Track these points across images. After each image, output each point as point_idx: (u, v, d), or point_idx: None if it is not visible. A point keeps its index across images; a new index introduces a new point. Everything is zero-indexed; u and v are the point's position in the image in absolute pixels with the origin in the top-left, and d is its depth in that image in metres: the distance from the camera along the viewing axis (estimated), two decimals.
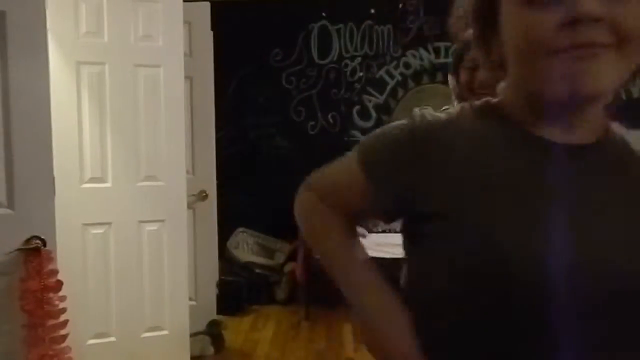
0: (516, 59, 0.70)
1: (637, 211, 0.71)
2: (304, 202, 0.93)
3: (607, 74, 0.64)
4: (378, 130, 0.84)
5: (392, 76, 4.86)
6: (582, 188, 0.71)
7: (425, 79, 4.82)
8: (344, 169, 0.86)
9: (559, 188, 0.70)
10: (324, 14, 4.91)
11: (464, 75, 1.78)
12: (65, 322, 2.37)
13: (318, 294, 3.80)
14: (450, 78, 1.86)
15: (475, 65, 1.73)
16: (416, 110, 0.82)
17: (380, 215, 0.84)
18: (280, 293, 4.64)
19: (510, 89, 0.77)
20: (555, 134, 0.73)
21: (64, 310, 2.36)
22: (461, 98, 1.80)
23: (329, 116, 4.99)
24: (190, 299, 3.36)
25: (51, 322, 2.31)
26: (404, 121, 0.81)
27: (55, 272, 2.31)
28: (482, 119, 0.77)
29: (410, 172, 0.76)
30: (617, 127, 0.80)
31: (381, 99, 4.88)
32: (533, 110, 0.73)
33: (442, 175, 0.73)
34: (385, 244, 3.40)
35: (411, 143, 0.77)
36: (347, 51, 4.92)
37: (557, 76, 0.65)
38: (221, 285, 4.20)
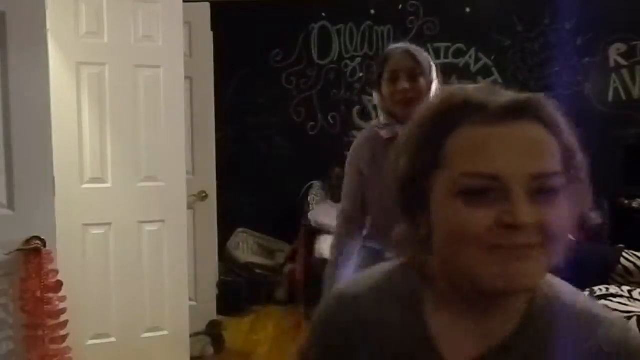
0: (447, 244, 0.72)
1: None
2: None
3: (537, 271, 0.69)
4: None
5: None
6: None
7: None
8: None
9: None
10: (324, 15, 4.91)
11: (385, 88, 1.84)
12: (65, 323, 2.37)
13: (318, 294, 3.80)
14: (374, 95, 1.92)
15: (395, 77, 1.82)
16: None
17: None
18: (280, 293, 4.64)
19: (437, 267, 0.78)
20: (453, 341, 0.76)
21: (64, 310, 2.36)
22: (387, 111, 1.87)
23: (329, 116, 4.99)
24: (190, 299, 3.36)
25: (51, 322, 2.31)
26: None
27: (55, 272, 2.31)
28: (390, 304, 0.81)
29: None
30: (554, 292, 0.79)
31: None
32: (452, 292, 0.76)
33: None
34: None
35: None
36: (347, 51, 4.92)
37: (492, 270, 0.68)
38: (221, 285, 4.20)
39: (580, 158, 0.74)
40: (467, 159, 0.69)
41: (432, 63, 1.89)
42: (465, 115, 0.70)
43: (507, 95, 0.72)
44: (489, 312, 0.75)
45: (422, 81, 1.83)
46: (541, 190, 0.68)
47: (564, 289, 0.79)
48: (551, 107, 0.73)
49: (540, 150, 0.69)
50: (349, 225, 2.00)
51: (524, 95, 0.72)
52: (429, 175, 0.72)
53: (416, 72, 1.83)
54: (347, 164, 2.02)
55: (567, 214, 0.70)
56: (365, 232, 2.01)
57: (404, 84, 1.81)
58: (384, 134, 1.86)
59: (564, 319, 0.75)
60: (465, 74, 4.70)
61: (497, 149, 0.68)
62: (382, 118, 1.91)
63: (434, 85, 1.88)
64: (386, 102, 1.85)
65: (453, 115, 0.71)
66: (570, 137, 0.73)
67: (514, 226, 0.66)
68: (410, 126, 0.77)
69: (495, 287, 0.68)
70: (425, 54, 1.91)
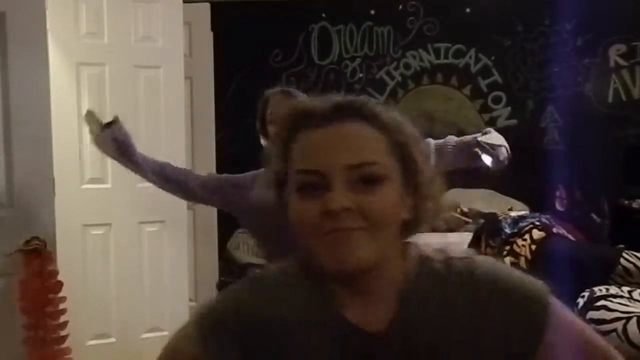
0: (298, 235, 0.81)
1: None
2: None
3: (362, 251, 0.76)
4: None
5: (392, 77, 4.86)
6: None
7: (425, 79, 4.81)
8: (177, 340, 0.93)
9: None
10: (324, 15, 4.91)
11: (272, 129, 1.92)
12: (65, 323, 2.37)
13: None
14: (262, 141, 2.01)
15: (272, 119, 1.91)
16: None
17: None
18: None
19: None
20: (354, 313, 0.83)
21: (64, 311, 2.36)
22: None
23: None
24: (190, 300, 3.36)
25: (51, 322, 2.32)
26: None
27: (55, 273, 2.31)
28: (292, 287, 0.88)
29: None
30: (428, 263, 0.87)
31: (381, 99, 4.87)
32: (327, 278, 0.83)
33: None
34: None
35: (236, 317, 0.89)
36: (347, 52, 4.92)
37: (325, 254, 0.77)
38: (221, 286, 4.19)
39: (421, 148, 0.83)
40: (300, 159, 0.80)
41: None
42: (302, 122, 0.81)
43: (334, 100, 0.82)
44: (367, 289, 0.82)
45: None
46: (361, 179, 0.77)
47: (433, 258, 0.87)
48: (376, 107, 0.82)
49: (358, 143, 0.79)
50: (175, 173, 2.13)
51: (346, 99, 0.83)
52: (285, 175, 0.83)
53: None
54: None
55: (391, 198, 0.78)
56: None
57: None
58: None
59: (435, 282, 0.84)
60: (465, 74, 4.70)
61: (319, 147, 0.79)
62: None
63: None
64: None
65: (294, 123, 0.82)
66: (400, 131, 0.81)
67: (330, 212, 0.75)
68: (272, 138, 0.89)
69: (332, 269, 0.78)
70: (303, 95, 1.96)
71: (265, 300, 0.88)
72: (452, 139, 2.01)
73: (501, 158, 1.89)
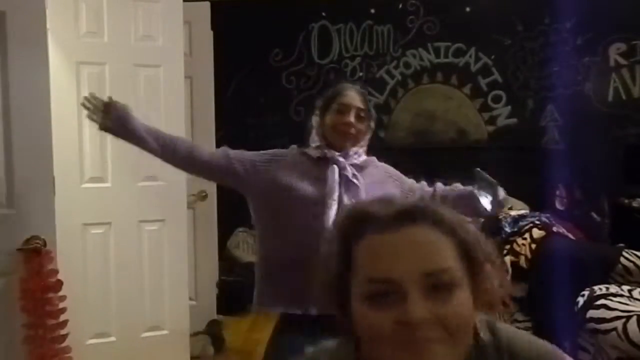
0: (364, 341, 0.80)
1: None
2: None
3: (441, 358, 0.74)
4: None
5: (392, 76, 4.86)
6: None
7: (425, 78, 4.82)
8: None
9: None
10: (324, 14, 4.91)
11: (331, 116, 1.94)
12: (65, 322, 2.37)
13: None
14: (314, 119, 2.01)
15: (344, 110, 1.92)
16: None
17: None
18: None
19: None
20: None
21: (64, 310, 2.36)
22: (323, 136, 1.97)
23: None
24: (190, 299, 3.36)
25: (51, 321, 2.31)
26: None
27: (55, 272, 2.31)
28: None
29: None
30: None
31: (381, 99, 4.88)
32: None
33: None
34: None
35: None
36: (347, 51, 4.92)
37: None
38: (221, 285, 4.19)
39: (484, 247, 0.82)
40: (367, 266, 0.78)
41: (373, 115, 2.01)
42: (364, 226, 0.80)
43: (397, 205, 0.81)
44: None
45: (364, 123, 1.96)
46: (436, 287, 0.75)
47: None
48: (441, 209, 0.82)
49: (430, 250, 0.77)
50: (187, 148, 2.07)
51: (410, 203, 0.83)
52: (347, 280, 0.81)
53: (363, 113, 1.94)
54: (261, 153, 2.04)
55: (466, 304, 0.77)
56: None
57: (351, 118, 1.92)
58: (314, 153, 1.96)
59: None
60: (465, 73, 4.70)
61: (389, 254, 0.77)
62: (313, 141, 1.99)
63: (369, 135, 2.00)
64: (326, 129, 1.95)
65: (355, 227, 0.81)
66: (466, 232, 0.81)
67: (410, 324, 0.73)
68: (328, 239, 0.87)
69: None
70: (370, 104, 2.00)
71: None
72: (457, 186, 2.03)
73: (500, 198, 1.91)
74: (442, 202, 1.81)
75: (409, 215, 0.79)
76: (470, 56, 4.72)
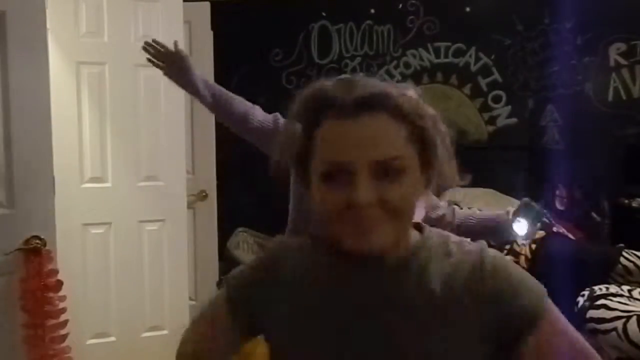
0: (320, 217, 0.87)
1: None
2: None
3: (381, 238, 0.83)
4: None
5: (392, 76, 4.86)
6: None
7: (426, 78, 4.81)
8: (209, 304, 1.07)
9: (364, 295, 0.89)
10: (324, 14, 4.91)
11: None
12: (65, 322, 2.37)
13: None
14: None
15: None
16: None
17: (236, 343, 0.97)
18: None
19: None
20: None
21: (64, 310, 2.37)
22: None
23: None
24: (190, 299, 3.36)
25: (51, 321, 2.32)
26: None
27: (55, 271, 2.31)
28: (316, 249, 0.96)
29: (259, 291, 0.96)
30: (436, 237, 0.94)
31: None
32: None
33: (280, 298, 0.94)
34: None
35: (263, 265, 0.99)
36: (347, 51, 4.92)
37: (347, 238, 0.84)
38: (221, 285, 4.19)
39: (434, 131, 0.87)
40: (326, 149, 0.84)
41: None
42: (325, 109, 0.84)
43: (358, 91, 0.84)
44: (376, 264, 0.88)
45: None
46: (386, 172, 0.82)
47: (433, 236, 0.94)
48: (401, 98, 0.85)
49: (383, 139, 0.83)
50: None
51: (370, 90, 0.85)
52: (308, 162, 0.88)
53: None
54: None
55: (410, 189, 0.84)
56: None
57: None
58: None
59: (439, 254, 0.91)
60: (465, 73, 4.70)
61: (344, 141, 0.82)
62: None
63: None
64: None
65: (317, 108, 0.86)
66: (420, 117, 0.85)
67: (356, 206, 0.81)
68: (288, 121, 0.92)
69: (352, 250, 0.84)
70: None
71: (284, 262, 0.96)
72: (475, 212, 2.01)
73: (540, 226, 1.89)
74: (466, 233, 1.79)
75: (367, 102, 0.83)
76: (470, 56, 4.71)
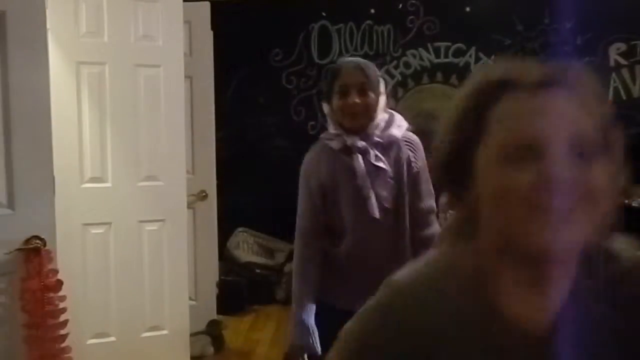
0: (492, 207, 0.73)
1: None
2: None
3: (577, 234, 0.69)
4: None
5: (392, 76, 4.86)
6: None
7: (425, 78, 4.82)
8: None
9: None
10: (324, 14, 4.91)
11: (336, 100, 1.90)
12: (65, 322, 2.37)
13: None
14: (324, 105, 1.97)
15: (345, 90, 1.87)
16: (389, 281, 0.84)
17: None
18: (280, 293, 4.64)
19: (481, 248, 0.78)
20: (522, 306, 0.75)
21: (64, 310, 2.36)
22: (337, 122, 1.93)
23: None
24: (190, 299, 3.36)
25: (51, 321, 2.32)
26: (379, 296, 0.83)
27: (55, 271, 2.31)
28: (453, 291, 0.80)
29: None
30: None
31: None
32: (503, 269, 0.76)
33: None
34: None
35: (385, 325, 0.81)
36: (347, 51, 4.92)
37: (531, 231, 0.69)
38: (221, 285, 4.20)
39: (612, 129, 0.76)
40: (508, 128, 0.72)
41: (380, 77, 1.97)
42: (502, 91, 0.74)
43: (539, 70, 0.75)
44: (545, 276, 0.74)
45: (371, 95, 1.90)
46: (579, 155, 0.69)
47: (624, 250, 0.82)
48: (583, 78, 0.75)
49: (574, 115, 0.71)
50: (309, 248, 1.97)
51: (552, 69, 0.75)
52: (473, 148, 0.75)
53: (365, 86, 1.89)
54: (301, 179, 2.01)
55: (606, 179, 0.71)
56: (338, 248, 1.96)
57: (354, 98, 1.87)
58: (335, 145, 1.92)
59: (618, 277, 0.78)
60: (465, 73, 4.70)
61: (534, 117, 0.71)
62: (331, 128, 1.96)
63: (382, 99, 1.95)
64: (336, 113, 1.91)
65: (491, 92, 0.75)
66: (602, 107, 0.75)
67: (548, 183, 0.67)
68: (452, 109, 0.80)
69: (535, 246, 0.69)
70: (374, 68, 1.97)
71: (413, 309, 0.80)
72: None
73: None
74: None
75: (550, 81, 0.73)
76: (470, 56, 4.72)
